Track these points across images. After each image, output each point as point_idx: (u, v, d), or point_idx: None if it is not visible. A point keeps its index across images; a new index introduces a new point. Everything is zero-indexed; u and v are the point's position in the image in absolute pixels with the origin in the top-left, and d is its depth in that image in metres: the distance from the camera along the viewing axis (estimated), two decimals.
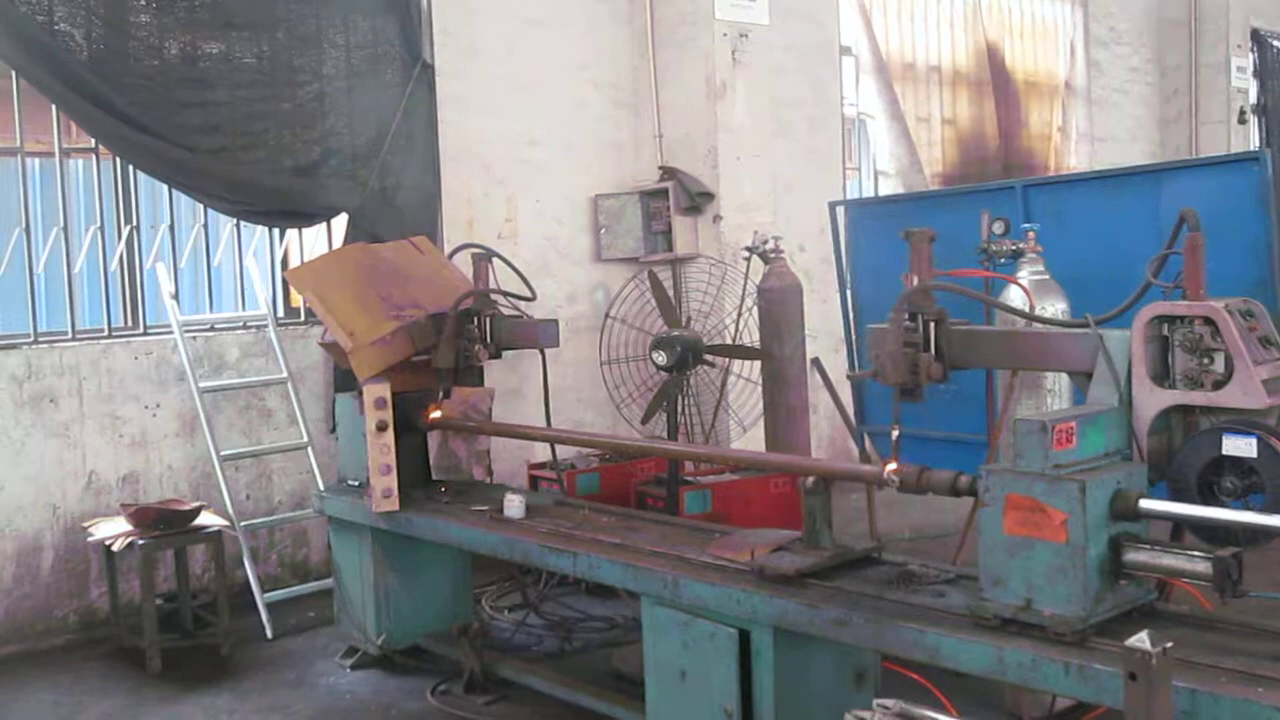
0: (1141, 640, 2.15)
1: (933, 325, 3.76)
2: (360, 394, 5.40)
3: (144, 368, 6.56)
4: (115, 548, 5.86)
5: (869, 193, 10.48)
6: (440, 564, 5.78)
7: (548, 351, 5.82)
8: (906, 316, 3.76)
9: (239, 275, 7.09)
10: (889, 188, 10.29)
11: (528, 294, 5.85)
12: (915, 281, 3.84)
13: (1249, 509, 3.17)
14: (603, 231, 8.35)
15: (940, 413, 5.83)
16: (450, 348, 5.51)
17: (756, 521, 5.21)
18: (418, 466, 5.73)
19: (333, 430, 6.75)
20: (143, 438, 6.54)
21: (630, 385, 7.10)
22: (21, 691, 5.63)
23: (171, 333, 6.52)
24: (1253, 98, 13.51)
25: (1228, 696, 2.81)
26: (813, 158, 9.65)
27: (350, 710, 5.31)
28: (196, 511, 6.06)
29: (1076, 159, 11.88)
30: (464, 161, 7.66)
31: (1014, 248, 5.00)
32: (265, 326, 6.89)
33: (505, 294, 5.82)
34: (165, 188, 6.71)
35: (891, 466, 3.81)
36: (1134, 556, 3.19)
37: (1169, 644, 2.16)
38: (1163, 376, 3.41)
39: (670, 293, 7.06)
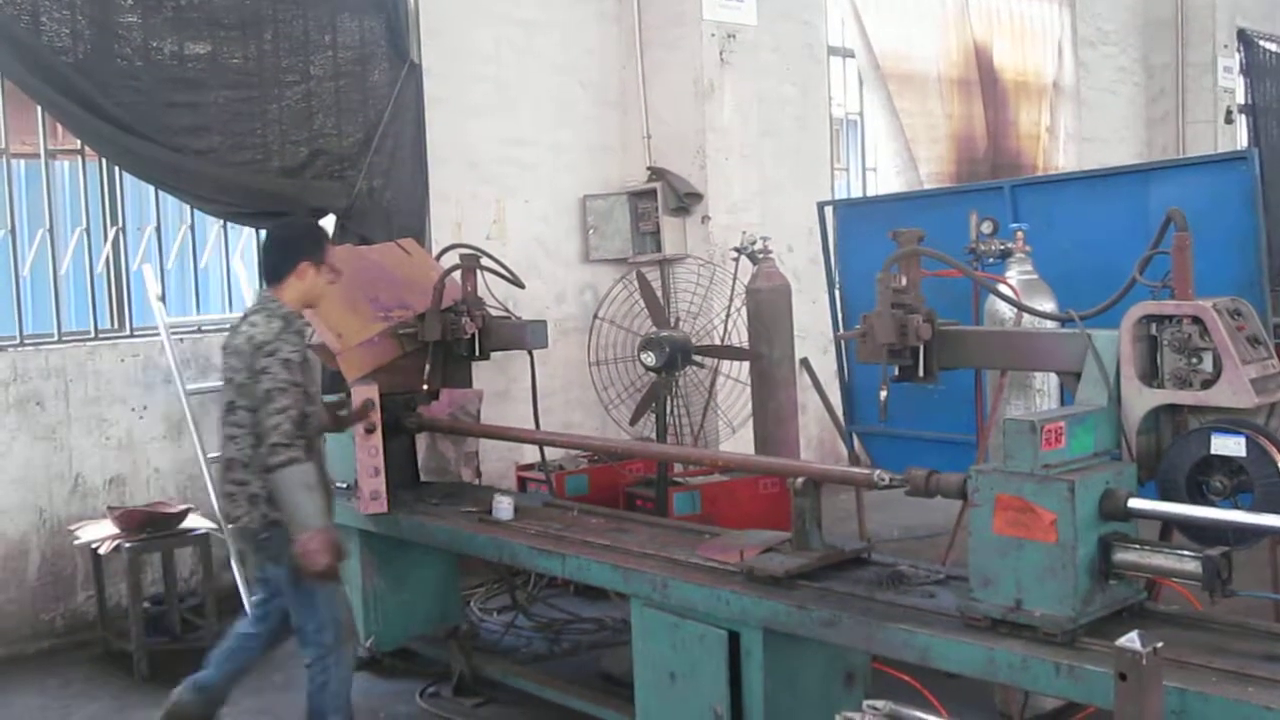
0: (1131, 640, 2.15)
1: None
2: (348, 395, 5.37)
3: (131, 370, 6.53)
4: (102, 551, 5.84)
5: (858, 193, 10.50)
6: (429, 566, 5.77)
7: (536, 353, 5.81)
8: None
9: (226, 277, 7.06)
10: (884, 187, 10.30)
11: (517, 283, 5.85)
12: (904, 281, 3.85)
13: (1238, 508, 3.17)
14: (591, 232, 8.34)
15: (930, 413, 5.85)
16: (436, 320, 5.48)
17: (746, 522, 5.21)
18: (406, 468, 5.73)
19: None
20: (129, 440, 6.51)
21: (619, 386, 7.10)
22: (7, 696, 5.60)
23: (158, 335, 6.49)
24: (1240, 97, 13.56)
25: (1218, 696, 2.81)
26: (801, 158, 9.68)
27: None
28: (183, 514, 6.04)
29: (1064, 159, 11.89)
30: (452, 162, 7.64)
31: (1002, 248, 5.00)
32: None
33: (494, 271, 5.80)
34: (151, 189, 6.68)
35: (880, 470, 3.82)
36: (1123, 556, 3.19)
37: (1159, 644, 2.15)
38: (1151, 376, 3.41)
39: (659, 294, 7.06)
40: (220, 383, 6.62)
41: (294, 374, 4.24)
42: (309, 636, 4.42)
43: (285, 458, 4.14)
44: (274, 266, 4.50)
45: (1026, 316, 4.40)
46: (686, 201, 8.09)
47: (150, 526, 5.88)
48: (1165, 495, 3.32)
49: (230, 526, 4.65)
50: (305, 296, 4.51)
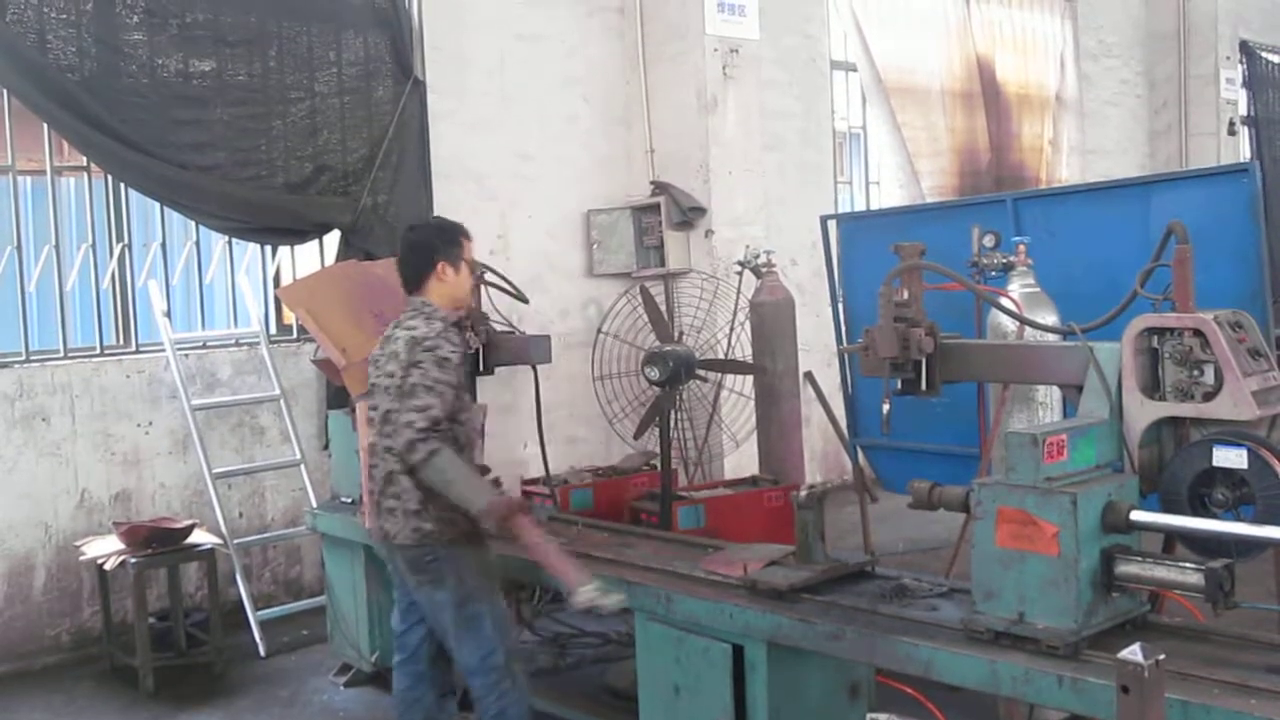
0: (1134, 652, 2.15)
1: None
2: (353, 411, 5.39)
3: (136, 386, 6.55)
4: (108, 566, 5.85)
5: (861, 206, 10.50)
6: None
7: (540, 367, 5.82)
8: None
9: (231, 293, 7.09)
10: (887, 201, 10.31)
11: (521, 298, 5.86)
12: (907, 294, 3.86)
13: (1240, 520, 3.17)
14: (595, 246, 8.35)
15: (932, 426, 5.85)
16: None
17: (750, 536, 5.20)
18: None
19: (325, 447, 6.74)
20: (135, 456, 6.53)
21: (623, 400, 7.10)
22: (13, 711, 5.61)
23: (164, 350, 6.51)
24: (1242, 109, 13.56)
25: (1220, 708, 2.80)
26: (804, 171, 9.70)
27: None
28: (189, 529, 6.05)
29: (1067, 171, 11.89)
30: (456, 176, 7.66)
31: (1005, 261, 5.00)
32: (257, 344, 6.89)
33: (499, 286, 5.81)
34: (157, 205, 6.71)
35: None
36: (1126, 569, 3.18)
37: (1161, 656, 2.15)
38: (1153, 388, 3.41)
39: (662, 308, 7.06)
40: (228, 398, 6.77)
41: (448, 374, 4.09)
42: (474, 665, 4.20)
43: (425, 451, 3.96)
44: (413, 272, 4.37)
45: (1028, 329, 4.41)
46: (690, 215, 8.11)
47: (156, 542, 5.89)
48: (1167, 507, 3.31)
49: (384, 545, 4.32)
50: (452, 298, 4.37)
